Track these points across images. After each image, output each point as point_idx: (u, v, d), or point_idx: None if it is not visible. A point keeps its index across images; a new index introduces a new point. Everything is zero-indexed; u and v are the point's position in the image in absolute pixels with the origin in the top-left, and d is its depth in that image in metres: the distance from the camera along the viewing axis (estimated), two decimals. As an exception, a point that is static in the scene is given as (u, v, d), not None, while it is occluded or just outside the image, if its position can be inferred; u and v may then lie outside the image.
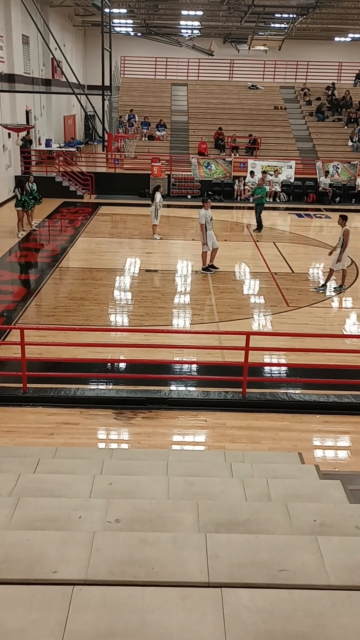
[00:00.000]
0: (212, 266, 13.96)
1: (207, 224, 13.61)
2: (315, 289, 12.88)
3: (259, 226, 18.37)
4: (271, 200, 23.62)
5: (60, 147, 27.20)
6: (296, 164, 24.69)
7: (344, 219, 12.32)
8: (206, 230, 13.55)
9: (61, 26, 30.54)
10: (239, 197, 23.43)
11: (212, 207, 14.18)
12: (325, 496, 4.88)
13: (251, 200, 19.88)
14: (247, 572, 3.50)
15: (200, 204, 14.04)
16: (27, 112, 24.52)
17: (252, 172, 23.77)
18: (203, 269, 13.89)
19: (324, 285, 12.80)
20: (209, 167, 24.11)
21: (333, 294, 12.64)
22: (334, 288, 12.80)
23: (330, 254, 12.80)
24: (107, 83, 26.36)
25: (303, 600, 3.28)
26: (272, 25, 30.72)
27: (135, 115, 28.89)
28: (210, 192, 23.14)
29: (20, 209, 16.88)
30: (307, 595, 3.31)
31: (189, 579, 3.45)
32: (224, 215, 20.21)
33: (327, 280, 12.84)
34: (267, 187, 17.74)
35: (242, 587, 3.38)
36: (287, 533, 4.09)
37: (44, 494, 4.68)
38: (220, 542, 3.74)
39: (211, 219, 13.75)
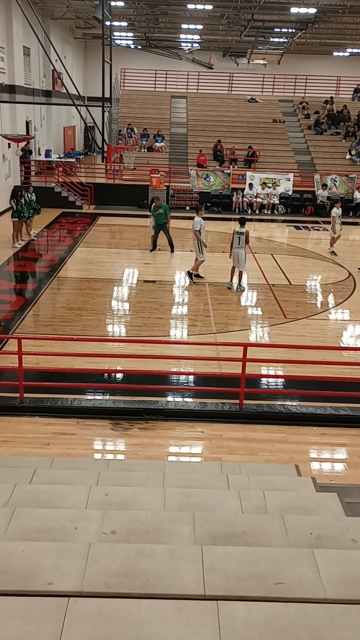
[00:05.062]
0: (198, 275, 14.01)
1: (202, 230, 13.68)
2: (228, 286, 13.58)
3: (154, 246, 16.81)
4: (269, 212, 23.77)
5: (59, 158, 27.32)
6: (294, 176, 24.85)
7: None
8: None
9: (62, 38, 30.77)
10: (237, 209, 23.51)
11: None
12: (322, 509, 4.87)
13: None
14: (243, 585, 3.49)
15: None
16: (27, 123, 24.64)
17: (250, 184, 23.94)
18: (192, 274, 13.88)
19: (230, 282, 13.64)
20: (208, 179, 24.26)
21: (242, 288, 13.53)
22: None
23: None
24: (107, 95, 26.48)
25: (300, 613, 3.27)
26: (272, 39, 31.01)
27: (134, 128, 29.04)
28: (209, 204, 23.25)
29: (16, 219, 16.66)
30: (304, 609, 3.30)
31: (185, 592, 3.43)
32: (222, 226, 20.21)
33: (231, 276, 13.64)
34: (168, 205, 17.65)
35: (238, 600, 3.36)
36: (283, 546, 4.07)
37: (39, 504, 4.66)
38: (216, 555, 3.72)
39: (203, 227, 13.89)
